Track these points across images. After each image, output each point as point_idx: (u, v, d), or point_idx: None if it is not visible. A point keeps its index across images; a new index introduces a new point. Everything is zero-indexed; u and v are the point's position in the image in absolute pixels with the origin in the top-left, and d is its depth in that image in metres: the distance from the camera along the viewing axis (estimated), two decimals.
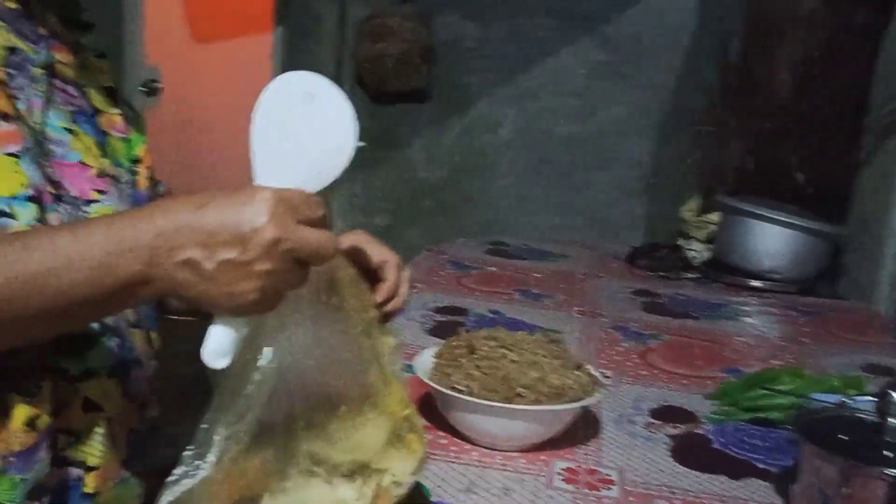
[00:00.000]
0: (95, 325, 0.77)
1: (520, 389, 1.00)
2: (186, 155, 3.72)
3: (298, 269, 0.63)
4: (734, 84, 2.40)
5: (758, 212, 1.94)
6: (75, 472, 0.75)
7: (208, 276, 0.60)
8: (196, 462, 0.66)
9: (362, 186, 3.23)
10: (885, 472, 0.84)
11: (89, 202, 0.78)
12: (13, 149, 0.71)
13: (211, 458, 0.66)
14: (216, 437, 0.67)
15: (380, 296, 0.86)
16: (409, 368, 1.03)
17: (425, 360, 1.09)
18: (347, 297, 0.79)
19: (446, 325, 1.45)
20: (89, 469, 0.76)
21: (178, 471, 0.66)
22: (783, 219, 1.93)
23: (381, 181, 3.21)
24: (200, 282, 0.60)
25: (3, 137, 0.71)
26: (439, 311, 1.54)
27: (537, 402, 0.99)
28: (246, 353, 0.68)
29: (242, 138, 0.67)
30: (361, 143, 0.67)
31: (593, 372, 1.08)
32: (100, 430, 0.77)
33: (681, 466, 1.03)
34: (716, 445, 1.09)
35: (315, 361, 0.74)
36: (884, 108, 2.07)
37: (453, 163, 3.13)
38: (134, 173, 0.90)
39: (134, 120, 0.94)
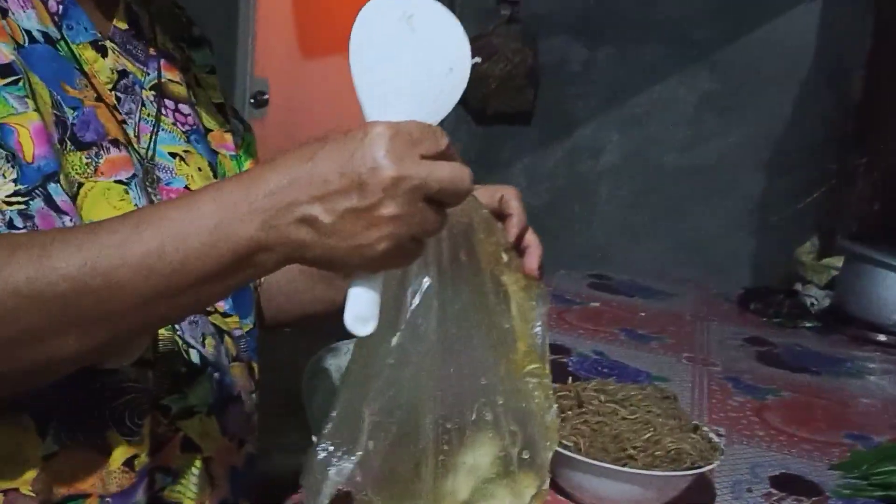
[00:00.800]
0: (196, 361, 0.75)
1: (632, 451, 0.93)
2: None
3: (431, 211, 0.55)
4: (859, 119, 2.26)
5: (883, 259, 1.80)
6: None
7: (329, 231, 0.53)
8: (348, 443, 0.61)
9: None
10: None
11: None
12: (123, 176, 0.70)
13: (363, 438, 0.61)
14: (365, 416, 0.62)
15: (512, 231, 0.74)
16: None
17: None
18: (478, 244, 0.69)
19: None
20: None
21: (322, 452, 0.61)
22: None
23: None
24: (323, 238, 0.53)
25: (113, 164, 0.69)
26: None
27: (652, 465, 0.92)
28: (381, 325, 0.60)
29: None
30: (476, 60, 0.60)
31: (711, 436, 1.00)
32: (196, 470, 0.74)
33: None
34: None
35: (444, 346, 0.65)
36: None
37: (555, 187, 3.06)
38: None
39: (243, 134, 0.93)
